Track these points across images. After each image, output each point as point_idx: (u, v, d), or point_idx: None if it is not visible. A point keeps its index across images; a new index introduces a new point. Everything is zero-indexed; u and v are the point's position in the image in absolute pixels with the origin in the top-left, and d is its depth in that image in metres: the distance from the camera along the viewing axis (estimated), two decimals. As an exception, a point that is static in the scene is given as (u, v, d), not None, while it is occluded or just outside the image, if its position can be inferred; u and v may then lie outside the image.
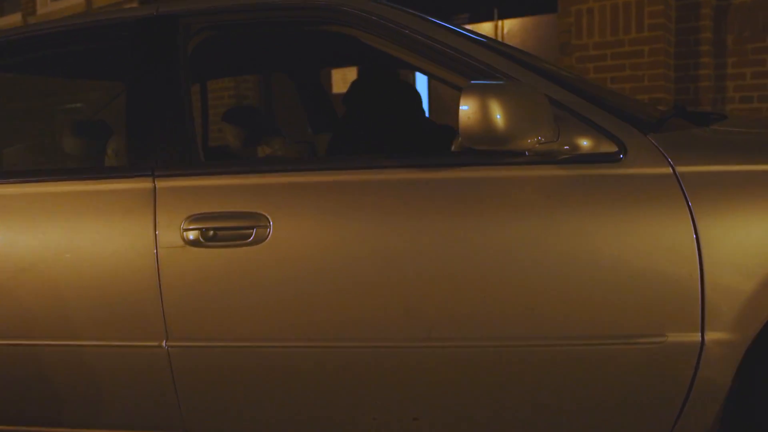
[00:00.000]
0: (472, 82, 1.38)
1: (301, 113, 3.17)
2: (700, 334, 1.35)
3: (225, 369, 1.55)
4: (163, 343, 1.56)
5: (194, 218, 1.54)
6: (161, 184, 1.59)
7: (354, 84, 2.49)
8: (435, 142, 2.10)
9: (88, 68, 2.61)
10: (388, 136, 2.13)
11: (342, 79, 5.82)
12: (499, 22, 5.04)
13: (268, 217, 1.50)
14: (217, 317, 1.52)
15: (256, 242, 1.50)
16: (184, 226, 1.54)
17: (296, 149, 2.62)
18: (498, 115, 1.34)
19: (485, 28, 5.10)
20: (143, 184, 1.60)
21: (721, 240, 1.33)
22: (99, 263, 1.57)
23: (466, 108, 1.35)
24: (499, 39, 5.05)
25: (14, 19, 9.21)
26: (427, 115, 2.78)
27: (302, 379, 1.53)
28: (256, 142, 2.85)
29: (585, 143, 1.43)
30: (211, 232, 1.52)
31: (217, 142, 3.56)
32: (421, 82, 5.35)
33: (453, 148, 1.73)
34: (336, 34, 1.74)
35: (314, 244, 1.48)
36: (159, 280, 1.53)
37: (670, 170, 1.39)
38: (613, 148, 1.42)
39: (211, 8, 1.75)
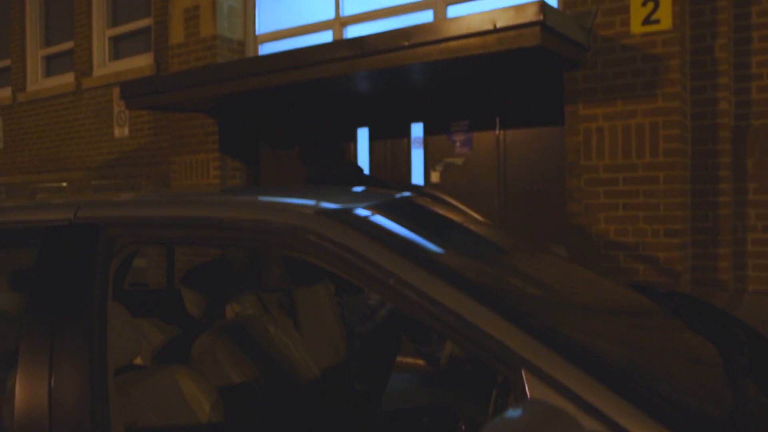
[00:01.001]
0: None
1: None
2: None
3: None
4: None
5: None
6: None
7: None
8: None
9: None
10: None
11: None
12: (500, 132, 4.72)
13: None
14: None
15: None
16: None
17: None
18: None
19: (485, 137, 4.79)
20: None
21: None
22: None
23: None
24: (500, 151, 4.73)
25: (4, 94, 9.00)
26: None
27: None
28: (222, 302, 2.47)
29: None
30: None
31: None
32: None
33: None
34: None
35: None
36: None
37: None
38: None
39: (149, 219, 1.37)
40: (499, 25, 3.50)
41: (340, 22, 5.56)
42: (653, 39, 3.92)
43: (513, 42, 3.49)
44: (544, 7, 3.43)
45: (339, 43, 4.31)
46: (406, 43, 3.69)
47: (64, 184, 8.05)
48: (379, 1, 5.37)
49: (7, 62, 8.93)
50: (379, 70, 3.89)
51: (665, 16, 3.90)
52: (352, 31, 5.54)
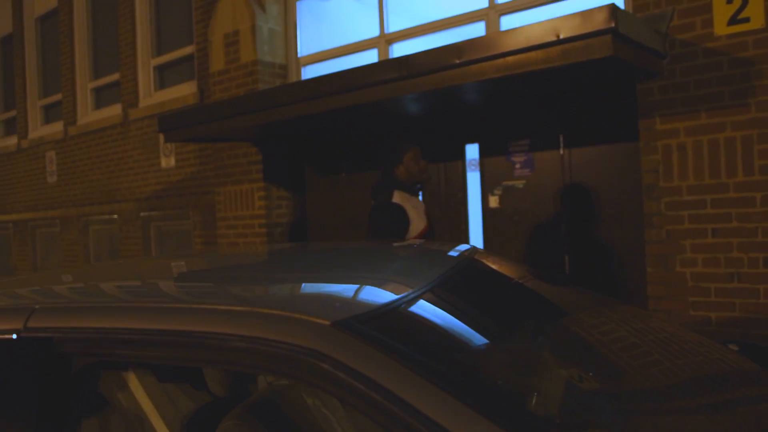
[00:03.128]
0: None
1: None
2: None
3: None
4: None
5: None
6: None
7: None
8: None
9: None
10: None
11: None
12: (565, 151, 4.27)
13: None
14: None
15: None
16: None
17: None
18: None
19: (548, 157, 4.34)
20: None
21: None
22: None
23: None
24: (566, 171, 4.27)
25: (56, 128, 9.05)
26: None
27: None
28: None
29: None
30: None
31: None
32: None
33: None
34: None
35: None
36: None
37: None
38: None
39: (112, 332, 1.03)
40: (563, 35, 3.07)
41: (385, 39, 5.22)
42: (742, 40, 3.42)
43: (581, 54, 3.06)
44: (615, 12, 2.98)
45: (383, 64, 3.96)
46: (457, 61, 3.31)
47: (115, 216, 7.98)
48: (427, 15, 5.01)
49: (58, 96, 8.98)
50: (428, 91, 3.52)
51: (756, 14, 3.40)
52: (398, 49, 5.19)
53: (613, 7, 2.99)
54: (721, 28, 3.49)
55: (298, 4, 5.79)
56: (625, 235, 4.04)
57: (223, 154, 5.92)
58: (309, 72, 5.73)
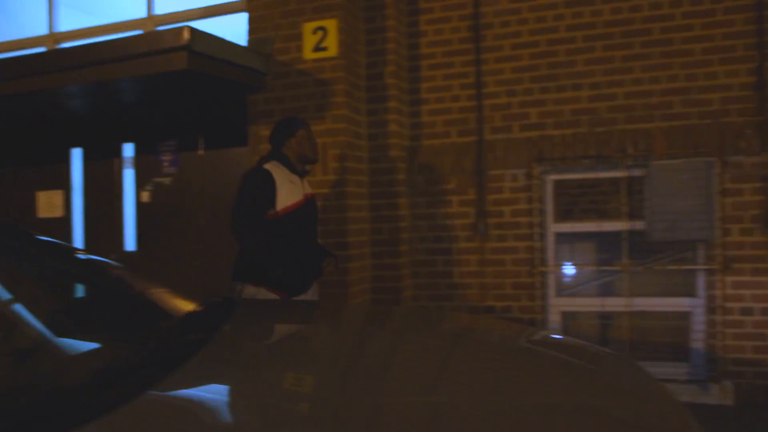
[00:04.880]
0: None
1: None
2: None
3: None
4: None
5: None
6: None
7: None
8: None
9: None
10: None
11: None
12: (203, 152, 4.80)
13: None
14: None
15: None
16: None
17: None
18: None
19: (191, 157, 4.83)
20: None
21: None
22: None
23: None
24: (205, 170, 4.79)
25: None
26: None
27: None
28: None
29: None
30: None
31: None
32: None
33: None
34: None
35: None
36: None
37: None
38: None
39: None
40: (149, 49, 3.56)
41: (53, 38, 5.37)
42: (322, 65, 4.18)
43: (163, 66, 3.56)
44: (193, 33, 3.53)
45: None
46: (57, 66, 3.65)
47: None
48: (96, 17, 5.26)
49: None
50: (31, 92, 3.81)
51: (332, 44, 4.18)
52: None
53: (190, 29, 3.54)
54: (308, 53, 4.23)
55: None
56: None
57: None
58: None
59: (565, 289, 4.38)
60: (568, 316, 4.40)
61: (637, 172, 4.15)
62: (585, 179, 4.29)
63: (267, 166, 3.24)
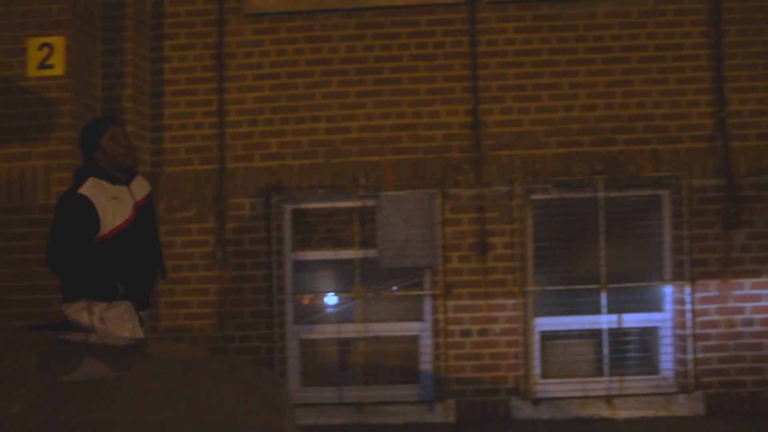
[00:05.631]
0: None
1: None
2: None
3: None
4: None
5: None
6: None
7: None
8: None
9: None
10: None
11: None
12: None
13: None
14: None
15: None
16: None
17: None
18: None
19: None
20: None
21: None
22: None
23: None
24: None
25: None
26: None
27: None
28: None
29: None
30: None
31: None
32: None
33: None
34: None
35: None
36: None
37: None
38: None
39: None
40: None
41: None
42: (48, 84, 3.95)
43: None
44: None
45: None
46: None
47: None
48: None
49: None
50: None
51: (59, 62, 3.97)
52: None
53: None
54: (32, 70, 3.98)
55: None
56: None
57: None
58: None
59: (304, 316, 4.44)
60: (306, 344, 4.45)
61: (369, 202, 4.35)
62: (321, 208, 4.43)
63: (83, 190, 2.89)
